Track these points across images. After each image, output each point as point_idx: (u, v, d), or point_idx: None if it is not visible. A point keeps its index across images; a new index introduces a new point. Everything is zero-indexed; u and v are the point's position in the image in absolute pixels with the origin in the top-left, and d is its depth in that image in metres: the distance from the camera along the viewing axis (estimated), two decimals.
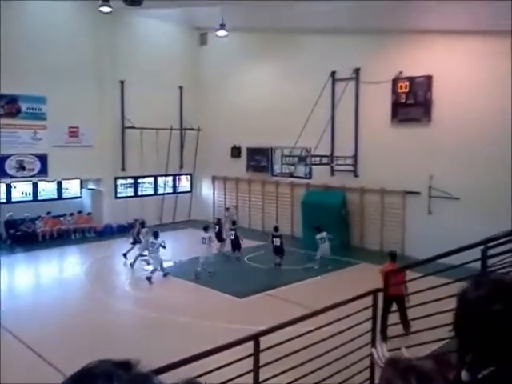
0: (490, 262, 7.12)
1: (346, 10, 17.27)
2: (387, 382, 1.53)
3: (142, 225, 17.31)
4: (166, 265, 16.50)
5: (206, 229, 15.70)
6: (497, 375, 1.58)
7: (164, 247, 15.22)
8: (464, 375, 1.68)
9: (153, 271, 14.84)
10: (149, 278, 14.55)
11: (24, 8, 19.36)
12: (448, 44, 16.32)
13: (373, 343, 6.66)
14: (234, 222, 17.82)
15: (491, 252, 7.08)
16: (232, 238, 16.96)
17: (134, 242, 17.13)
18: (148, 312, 12.01)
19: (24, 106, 19.84)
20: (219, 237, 17.82)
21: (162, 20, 23.04)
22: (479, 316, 1.58)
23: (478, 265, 6.97)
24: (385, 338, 7.44)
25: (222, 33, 21.11)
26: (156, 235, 15.39)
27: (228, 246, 17.50)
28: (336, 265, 16.21)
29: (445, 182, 16.42)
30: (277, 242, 16.06)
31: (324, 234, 16.01)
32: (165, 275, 15.01)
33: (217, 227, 18.14)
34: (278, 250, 16.09)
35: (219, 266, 16.12)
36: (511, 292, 1.59)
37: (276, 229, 16.53)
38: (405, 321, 8.65)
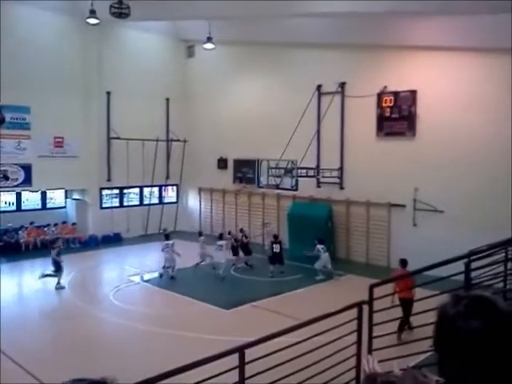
0: (474, 274, 7.20)
1: (333, 25, 17.55)
2: None
3: (167, 236, 17.01)
4: (151, 276, 16.44)
5: (221, 236, 17.15)
6: None
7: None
8: None
9: (168, 268, 15.94)
10: (172, 277, 15.83)
11: (11, 18, 19.28)
12: (432, 59, 16.60)
13: (358, 355, 6.68)
14: (276, 236, 17.13)
15: (475, 265, 7.16)
16: (277, 251, 16.48)
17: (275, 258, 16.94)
18: (133, 323, 11.89)
19: (8, 116, 19.63)
20: (234, 250, 17.59)
21: (150, 32, 23.11)
22: (456, 332, 1.57)
23: (462, 277, 7.05)
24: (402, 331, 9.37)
25: (209, 45, 21.25)
26: (167, 237, 16.65)
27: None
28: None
29: (429, 195, 16.61)
30: (277, 248, 16.33)
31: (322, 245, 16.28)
32: (172, 278, 15.85)
33: (232, 239, 17.82)
34: (278, 258, 16.27)
35: (207, 278, 16.07)
36: (489, 308, 1.60)
37: (276, 237, 16.88)
38: (407, 323, 9.61)
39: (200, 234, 17.73)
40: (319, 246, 16.17)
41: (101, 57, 21.84)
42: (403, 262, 11.33)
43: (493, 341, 1.54)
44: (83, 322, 12.21)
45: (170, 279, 15.83)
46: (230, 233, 18.57)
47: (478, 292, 1.74)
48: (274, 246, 16.43)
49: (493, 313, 1.58)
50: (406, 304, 9.91)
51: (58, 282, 15.12)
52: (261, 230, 20.71)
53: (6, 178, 19.77)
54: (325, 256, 16.08)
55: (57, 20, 20.63)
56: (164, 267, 16.17)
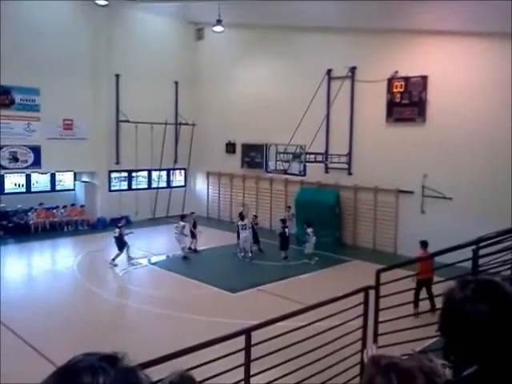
0: (482, 261, 7.17)
1: (344, 8, 17.29)
2: (369, 379, 1.54)
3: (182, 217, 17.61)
4: (158, 259, 16.58)
5: (242, 217, 17.24)
6: (480, 374, 1.60)
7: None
8: (448, 374, 1.70)
9: (184, 248, 16.51)
10: (185, 257, 16.35)
11: (20, 1, 19.19)
12: (444, 45, 16.38)
13: (364, 339, 6.72)
14: (284, 221, 17.32)
15: (483, 252, 7.14)
16: (287, 235, 16.63)
17: (193, 236, 17.42)
18: (140, 305, 12.02)
19: (17, 98, 19.72)
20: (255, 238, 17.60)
21: (159, 14, 22.94)
22: (464, 316, 1.58)
23: (470, 264, 7.03)
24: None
25: (218, 28, 21.07)
26: (183, 217, 17.31)
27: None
28: (329, 262, 16.30)
29: (438, 182, 16.51)
30: (286, 233, 16.47)
31: (311, 229, 16.39)
32: (184, 257, 16.37)
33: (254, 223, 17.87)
34: (285, 241, 16.36)
35: (214, 261, 16.19)
36: (496, 293, 1.60)
37: (284, 221, 17.16)
38: (432, 300, 9.88)
39: (182, 217, 17.69)
40: (309, 230, 16.31)
41: (110, 39, 21.74)
42: (424, 244, 11.67)
43: (500, 325, 1.54)
44: (91, 303, 12.37)
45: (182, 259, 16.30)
46: (256, 217, 18.52)
47: (485, 276, 1.73)
48: (285, 230, 16.45)
49: (500, 297, 1.59)
50: (427, 285, 10.31)
51: (114, 259, 15.53)
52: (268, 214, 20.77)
53: (16, 159, 19.88)
54: (313, 239, 16.25)
55: (66, 2, 20.50)
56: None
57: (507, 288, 1.63)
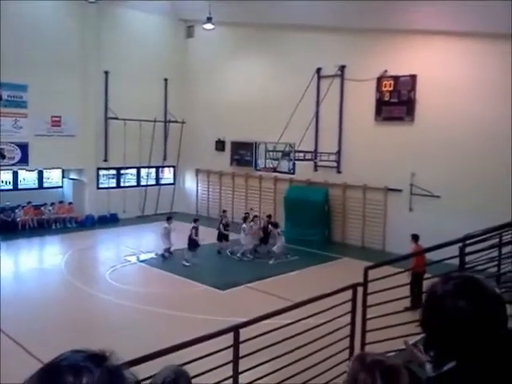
0: (468, 258, 7.25)
1: (333, 8, 17.35)
2: (353, 375, 1.55)
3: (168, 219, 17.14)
4: (147, 256, 16.52)
5: (245, 219, 17.25)
6: (460, 369, 1.61)
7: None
8: (428, 369, 1.71)
9: (166, 250, 16.22)
10: (163, 256, 16.14)
11: None
12: (433, 44, 16.49)
13: (352, 336, 6.76)
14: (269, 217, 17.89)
15: (469, 249, 7.21)
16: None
17: (222, 237, 17.23)
18: (129, 303, 11.98)
19: (5, 94, 19.50)
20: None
21: (149, 12, 22.82)
22: (444, 311, 1.59)
23: (457, 261, 7.10)
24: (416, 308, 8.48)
25: (208, 26, 21.02)
26: (169, 219, 16.75)
27: None
28: (318, 259, 16.36)
29: (426, 181, 16.65)
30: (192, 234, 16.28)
31: (279, 229, 16.47)
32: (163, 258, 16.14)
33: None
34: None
35: (203, 259, 16.18)
36: (477, 289, 1.61)
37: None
38: (420, 296, 9.71)
39: (168, 218, 17.01)
40: (276, 231, 16.32)
41: (99, 36, 21.59)
42: (415, 237, 11.80)
43: (479, 321, 1.56)
44: (79, 300, 12.29)
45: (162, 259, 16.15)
46: (270, 216, 18.04)
47: (467, 273, 1.75)
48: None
49: (480, 293, 1.60)
50: (420, 278, 10.22)
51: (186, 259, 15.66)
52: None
53: (3, 156, 19.68)
54: (282, 240, 16.21)
55: None
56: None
57: (488, 285, 1.64)
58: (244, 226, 16.86)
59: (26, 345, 9.36)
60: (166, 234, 16.35)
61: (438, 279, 1.71)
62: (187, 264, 15.32)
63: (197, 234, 15.93)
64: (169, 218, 16.97)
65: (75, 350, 1.17)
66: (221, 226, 17.29)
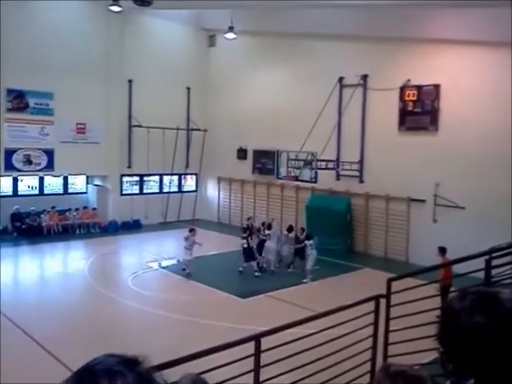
0: (494, 271, 7.12)
1: (356, 16, 17.33)
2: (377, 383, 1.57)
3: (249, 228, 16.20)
4: (169, 263, 16.60)
5: (269, 227, 16.29)
6: None
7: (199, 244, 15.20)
8: None
9: (187, 264, 14.88)
10: (188, 275, 14.74)
11: (35, 5, 19.48)
12: (457, 53, 16.33)
13: (374, 348, 6.68)
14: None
15: (495, 262, 7.08)
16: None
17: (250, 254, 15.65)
18: (151, 309, 12.05)
19: (32, 101, 19.98)
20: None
21: (172, 21, 23.12)
22: (461, 327, 1.58)
23: (482, 274, 6.98)
24: None
25: (230, 35, 21.21)
26: (191, 231, 15.40)
27: None
28: (340, 269, 16.22)
29: (450, 191, 16.41)
30: (244, 244, 15.51)
31: (312, 241, 15.18)
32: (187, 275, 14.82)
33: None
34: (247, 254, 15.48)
35: (224, 267, 16.20)
36: (494, 305, 1.59)
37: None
38: None
39: (191, 230, 15.70)
40: (307, 242, 15.03)
41: (123, 44, 21.96)
42: (442, 250, 11.64)
43: (496, 337, 1.55)
44: (102, 305, 12.42)
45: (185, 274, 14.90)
46: (292, 228, 16.94)
47: (485, 288, 1.73)
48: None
49: (497, 309, 1.59)
50: (447, 291, 10.08)
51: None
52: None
53: (30, 162, 20.11)
54: (314, 253, 15.04)
55: (80, 7, 20.78)
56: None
57: (505, 300, 1.63)
58: (269, 232, 15.88)
59: (50, 348, 9.48)
60: (189, 245, 15.07)
61: (455, 294, 1.70)
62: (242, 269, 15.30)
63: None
64: (191, 229, 15.75)
65: (109, 354, 1.20)
66: (249, 240, 15.57)
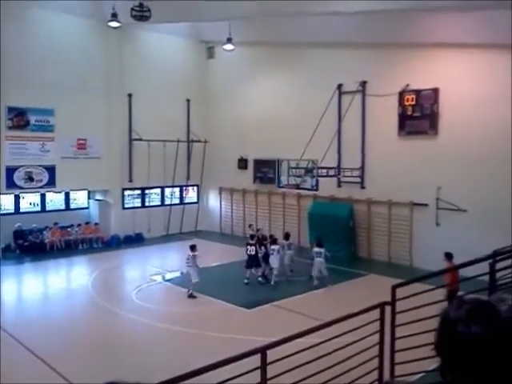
0: (499, 274, 7.08)
1: (353, 23, 17.40)
2: None
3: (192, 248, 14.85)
4: (172, 275, 16.55)
5: (275, 242, 15.82)
6: None
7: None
8: None
9: (194, 285, 14.10)
10: (191, 296, 14.00)
11: (34, 21, 19.64)
12: (455, 57, 16.37)
13: (380, 356, 6.63)
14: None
15: (500, 265, 7.05)
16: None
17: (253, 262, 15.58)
18: (155, 323, 12.00)
19: (32, 119, 20.05)
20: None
21: (170, 34, 23.25)
22: (457, 336, 1.57)
23: (486, 278, 6.94)
24: None
25: (229, 46, 21.32)
26: (193, 248, 14.55)
27: None
28: (344, 276, 16.16)
29: (452, 194, 16.38)
30: (251, 251, 15.41)
31: (322, 249, 15.16)
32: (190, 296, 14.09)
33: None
34: (252, 261, 15.45)
35: (228, 278, 16.15)
36: (490, 314, 1.59)
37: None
38: None
39: (192, 247, 14.68)
40: (315, 250, 15.21)
41: (122, 59, 22.09)
42: (448, 256, 11.63)
43: (492, 346, 1.54)
44: (106, 320, 12.38)
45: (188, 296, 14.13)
46: (287, 236, 16.95)
47: (481, 297, 1.74)
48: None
49: (493, 318, 1.59)
50: (453, 296, 10.00)
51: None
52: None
53: (31, 179, 20.15)
54: (319, 261, 15.01)
55: (79, 23, 20.91)
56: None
57: (502, 309, 1.63)
58: (274, 247, 15.56)
59: (53, 364, 9.42)
60: (194, 266, 14.28)
61: (451, 304, 1.70)
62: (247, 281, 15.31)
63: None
64: (193, 246, 14.78)
65: (112, 382, 1.20)
66: (257, 248, 15.56)
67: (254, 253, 15.45)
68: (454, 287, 10.37)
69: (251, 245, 15.57)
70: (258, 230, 18.29)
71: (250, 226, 18.44)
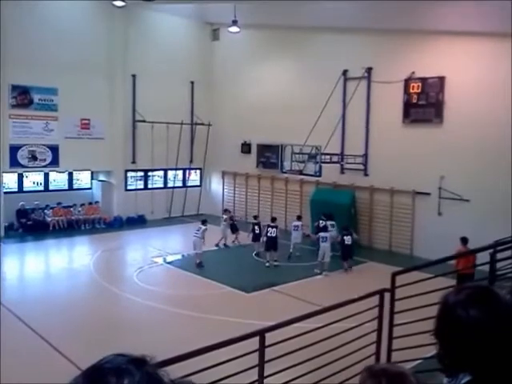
0: (499, 265, 7.09)
1: (359, 9, 17.20)
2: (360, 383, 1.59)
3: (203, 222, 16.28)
4: (174, 258, 16.65)
5: (299, 218, 17.39)
6: (476, 382, 1.59)
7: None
8: (445, 381, 1.70)
9: (199, 254, 15.38)
10: (199, 264, 15.21)
11: (39, 2, 19.46)
12: (462, 45, 16.21)
13: (378, 342, 6.68)
14: (346, 228, 15.99)
15: (500, 256, 7.05)
16: (348, 243, 15.48)
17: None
18: (155, 304, 12.10)
19: (36, 97, 20.00)
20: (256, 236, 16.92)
21: (175, 15, 23.05)
22: (456, 320, 1.59)
23: (487, 268, 6.96)
24: None
25: (234, 29, 21.13)
26: (204, 222, 15.96)
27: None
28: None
29: (455, 184, 16.34)
30: (272, 233, 15.71)
31: (327, 234, 15.34)
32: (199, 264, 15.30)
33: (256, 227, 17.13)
34: (273, 243, 15.68)
35: (227, 261, 16.22)
36: (490, 299, 1.60)
37: (347, 228, 15.83)
38: None
39: (204, 221, 16.20)
40: (321, 234, 15.33)
41: (127, 39, 21.93)
42: (464, 240, 11.85)
43: (491, 330, 1.55)
44: (107, 300, 12.49)
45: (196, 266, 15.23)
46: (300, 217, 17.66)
47: (481, 283, 1.75)
48: (344, 238, 15.34)
49: (492, 303, 1.60)
50: (468, 280, 9.88)
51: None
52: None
53: (35, 158, 20.17)
54: (325, 246, 15.10)
55: (84, 2, 20.72)
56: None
57: (501, 294, 1.63)
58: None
59: (54, 343, 9.54)
60: (201, 238, 15.43)
61: (451, 289, 1.71)
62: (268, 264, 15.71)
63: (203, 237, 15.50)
64: (204, 220, 16.21)
65: (118, 354, 1.23)
66: (255, 227, 17.00)
67: (274, 235, 15.73)
68: (468, 271, 10.20)
69: (272, 227, 15.84)
70: (255, 217, 18.30)
71: (255, 217, 18.52)
